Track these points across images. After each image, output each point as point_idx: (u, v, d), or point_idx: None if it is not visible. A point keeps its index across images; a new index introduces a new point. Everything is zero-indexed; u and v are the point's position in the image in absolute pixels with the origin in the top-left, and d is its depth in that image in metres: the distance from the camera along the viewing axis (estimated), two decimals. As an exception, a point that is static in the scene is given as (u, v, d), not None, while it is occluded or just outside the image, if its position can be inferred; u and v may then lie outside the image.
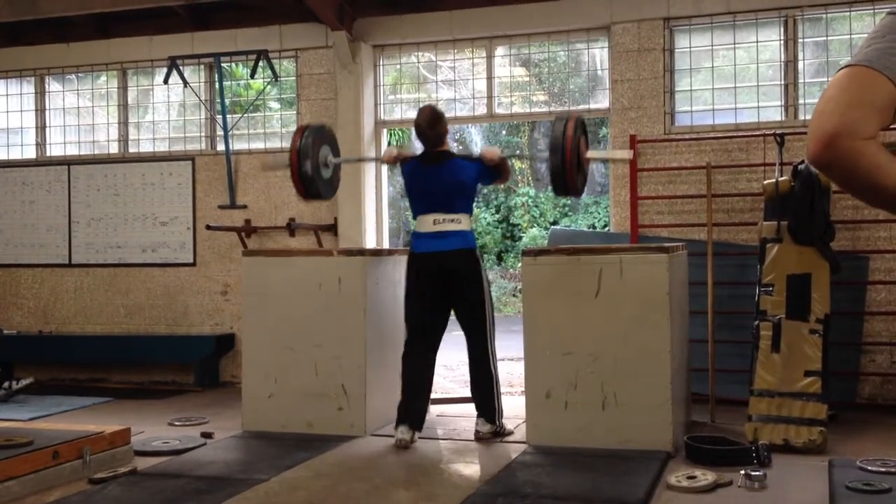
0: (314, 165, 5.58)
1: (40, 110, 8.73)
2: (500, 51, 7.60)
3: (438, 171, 5.48)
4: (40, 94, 8.73)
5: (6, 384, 7.06)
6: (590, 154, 5.36)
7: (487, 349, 5.54)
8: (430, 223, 5.45)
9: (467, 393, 7.41)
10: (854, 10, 6.60)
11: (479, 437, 5.49)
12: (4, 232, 8.70)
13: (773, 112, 6.78)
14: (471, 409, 6.55)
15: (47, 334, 8.42)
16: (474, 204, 5.83)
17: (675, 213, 6.85)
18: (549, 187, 5.45)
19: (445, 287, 5.46)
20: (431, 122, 5.51)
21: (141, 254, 8.29)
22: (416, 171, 5.60)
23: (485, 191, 20.68)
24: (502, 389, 7.44)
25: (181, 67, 7.88)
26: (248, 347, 5.99)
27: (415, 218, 5.61)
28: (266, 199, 7.94)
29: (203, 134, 8.28)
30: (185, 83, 7.95)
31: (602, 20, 7.09)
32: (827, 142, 1.41)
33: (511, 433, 5.55)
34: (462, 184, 5.49)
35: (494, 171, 5.58)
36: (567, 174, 5.08)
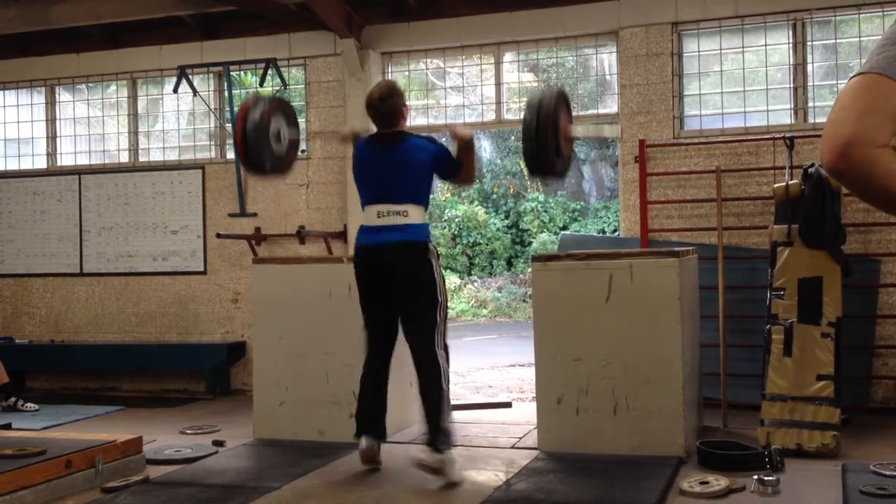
0: (262, 132, 4.81)
1: (51, 120, 8.77)
2: (508, 56, 7.60)
3: (388, 155, 4.77)
4: (51, 104, 8.77)
5: (12, 399, 7.08)
6: (575, 131, 4.88)
7: (436, 362, 4.71)
8: (374, 216, 4.77)
9: (478, 399, 7.43)
10: (863, 13, 6.58)
11: (420, 464, 4.66)
12: (16, 242, 8.73)
13: (782, 115, 6.77)
14: (482, 415, 6.56)
15: (59, 343, 8.45)
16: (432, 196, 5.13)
17: (685, 218, 6.83)
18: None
19: (386, 286, 4.78)
20: (383, 95, 4.81)
21: (152, 262, 8.31)
22: (363, 154, 4.89)
23: (493, 196, 20.69)
24: (509, 397, 7.48)
25: (190, 76, 7.91)
26: (258, 355, 5.99)
27: (362, 209, 4.91)
28: (276, 207, 7.96)
29: (213, 142, 8.31)
30: (195, 92, 7.98)
31: (610, 25, 7.08)
32: (841, 150, 1.41)
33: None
34: (413, 168, 4.76)
35: (457, 162, 4.86)
36: (542, 157, 4.48)
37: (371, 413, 4.96)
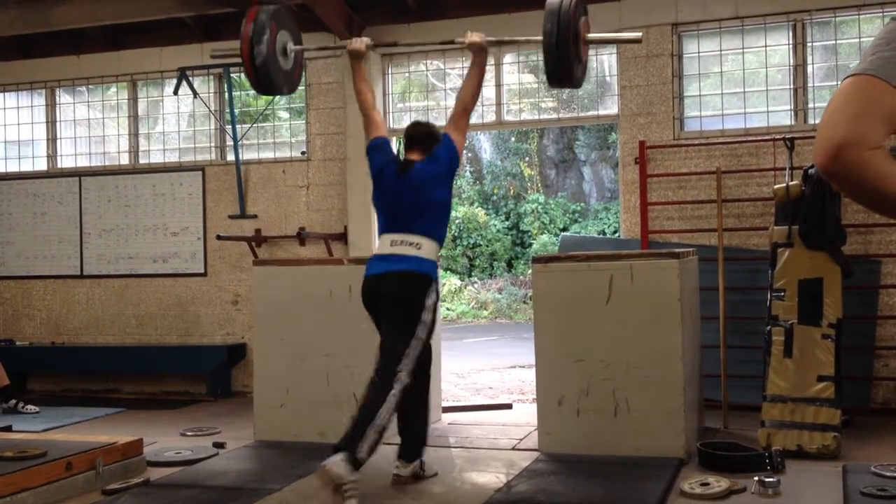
0: (270, 52, 4.73)
1: (51, 122, 8.77)
2: (508, 58, 7.60)
3: (405, 183, 4.60)
4: (51, 106, 8.77)
5: (13, 401, 7.07)
6: (592, 35, 4.61)
7: (389, 387, 4.31)
8: (388, 244, 4.59)
9: (479, 401, 7.43)
10: (863, 14, 6.58)
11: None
12: (16, 244, 8.74)
13: (782, 116, 6.77)
14: (483, 416, 6.56)
15: (60, 345, 8.45)
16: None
17: (686, 219, 6.83)
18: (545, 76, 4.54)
19: (377, 312, 4.60)
20: (418, 122, 4.91)
21: (152, 264, 8.32)
22: (385, 180, 4.69)
23: (493, 197, 20.69)
24: (510, 398, 7.48)
25: (191, 78, 7.91)
26: (259, 357, 5.99)
27: (378, 235, 4.77)
28: (276, 209, 7.96)
29: (213, 144, 8.31)
30: (195, 94, 7.98)
31: (610, 26, 7.07)
32: (834, 152, 1.41)
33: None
34: (430, 189, 4.58)
35: (470, 99, 4.70)
36: (565, 56, 4.33)
37: (417, 435, 4.73)
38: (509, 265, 20.37)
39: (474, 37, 4.73)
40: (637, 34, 4.86)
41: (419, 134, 4.77)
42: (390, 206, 4.63)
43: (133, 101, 8.52)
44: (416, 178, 4.59)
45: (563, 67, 4.36)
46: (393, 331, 4.48)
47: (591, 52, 7.35)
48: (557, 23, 4.27)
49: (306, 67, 7.89)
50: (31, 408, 7.07)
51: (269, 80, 4.80)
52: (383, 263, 4.56)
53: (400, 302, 4.48)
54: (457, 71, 7.91)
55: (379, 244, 4.70)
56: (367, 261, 4.73)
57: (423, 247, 4.53)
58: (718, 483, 4.36)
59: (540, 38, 4.39)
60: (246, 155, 8.07)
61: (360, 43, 4.90)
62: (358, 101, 4.94)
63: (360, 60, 4.92)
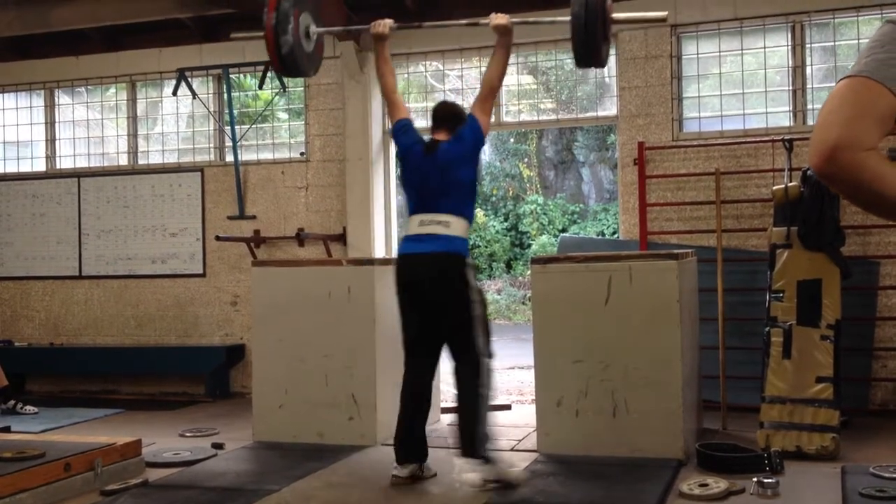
0: (296, 40, 4.73)
1: (50, 123, 8.77)
2: (507, 59, 7.59)
3: (432, 162, 4.68)
4: (50, 106, 8.77)
5: (11, 402, 7.07)
6: (618, 15, 4.64)
7: (476, 366, 4.55)
8: (417, 224, 4.68)
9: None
10: (862, 15, 6.59)
11: (484, 483, 4.45)
12: (15, 245, 8.73)
13: (781, 117, 6.77)
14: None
15: (58, 346, 8.45)
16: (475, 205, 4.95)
17: (684, 220, 6.84)
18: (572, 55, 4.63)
19: (424, 296, 4.66)
20: (444, 102, 5.05)
21: (151, 265, 8.31)
22: (413, 160, 4.77)
23: (492, 198, 20.69)
24: (509, 399, 7.47)
25: (190, 79, 7.91)
26: (258, 358, 5.99)
27: (408, 216, 4.83)
28: (275, 210, 7.96)
29: (212, 145, 8.31)
30: (194, 95, 7.98)
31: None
32: (829, 154, 1.42)
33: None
34: (456, 178, 4.65)
35: (497, 78, 4.78)
36: (593, 36, 4.39)
37: (417, 436, 4.75)
38: (508, 266, 20.36)
39: (500, 18, 4.76)
40: (663, 13, 4.83)
41: (445, 114, 4.83)
42: (418, 186, 4.71)
43: (132, 101, 8.52)
44: (441, 158, 4.66)
45: (592, 48, 4.43)
46: (447, 319, 4.60)
47: (590, 53, 7.37)
48: (586, 3, 4.32)
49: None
50: (29, 409, 7.06)
51: (296, 66, 4.86)
52: (415, 244, 4.65)
53: (442, 287, 4.58)
54: (455, 72, 7.91)
55: (409, 224, 4.75)
56: (400, 242, 4.85)
57: (451, 225, 4.61)
58: (717, 484, 4.36)
59: (566, 18, 4.45)
60: (245, 156, 8.07)
61: (384, 25, 4.90)
62: (381, 84, 5.00)
63: (384, 43, 4.94)
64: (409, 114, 4.98)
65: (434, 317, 4.65)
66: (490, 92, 4.77)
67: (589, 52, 4.47)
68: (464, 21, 5.40)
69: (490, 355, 4.64)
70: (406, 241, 4.74)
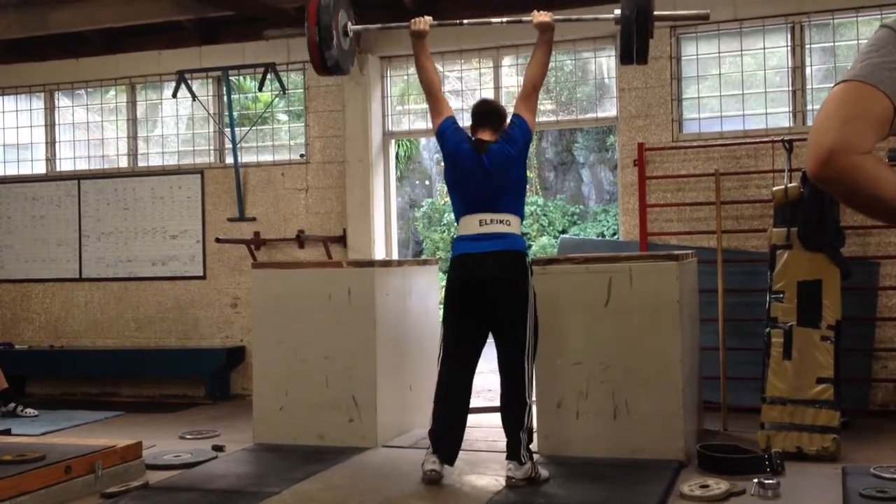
0: (338, 39, 4.79)
1: (50, 125, 8.77)
2: (507, 60, 7.61)
3: (485, 161, 4.67)
4: (49, 109, 8.78)
5: (11, 405, 7.07)
6: (660, 13, 4.73)
7: (523, 373, 4.64)
8: (476, 224, 4.67)
9: (478, 403, 7.41)
10: (861, 16, 6.59)
11: (511, 484, 4.57)
12: (15, 247, 8.73)
13: (781, 118, 6.77)
14: (482, 419, 6.53)
15: (58, 349, 8.45)
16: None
17: (685, 221, 6.83)
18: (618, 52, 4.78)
19: (483, 296, 4.64)
20: (486, 100, 5.09)
21: (151, 267, 8.31)
22: (462, 161, 4.74)
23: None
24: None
25: (189, 81, 7.91)
26: (258, 360, 5.99)
27: (457, 219, 4.82)
28: (275, 212, 7.96)
29: (212, 147, 8.31)
30: (194, 97, 7.98)
31: (608, 29, 7.05)
32: (825, 158, 1.43)
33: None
34: (509, 168, 4.67)
35: (539, 75, 4.82)
36: (643, 33, 4.52)
37: (456, 436, 4.78)
38: (508, 267, 20.32)
39: (543, 16, 4.83)
40: (705, 11, 4.93)
41: (488, 112, 4.85)
42: (471, 187, 4.70)
43: (132, 104, 8.53)
44: (495, 159, 4.67)
45: (641, 46, 4.54)
46: (505, 316, 4.62)
47: (589, 53, 7.38)
48: (636, 9, 4.45)
49: (305, 70, 7.89)
50: (29, 411, 7.06)
51: (339, 69, 4.94)
52: (478, 243, 4.63)
53: (506, 285, 4.59)
54: (455, 74, 7.91)
55: (463, 225, 4.72)
56: (454, 243, 4.81)
57: (511, 223, 4.67)
58: (718, 485, 4.36)
59: (610, 16, 4.62)
60: (245, 158, 8.07)
61: (424, 23, 4.90)
62: (424, 81, 4.94)
63: (424, 40, 4.94)
64: (452, 111, 4.97)
65: (489, 314, 4.66)
66: (533, 89, 4.82)
67: (637, 51, 4.59)
68: (505, 19, 5.40)
69: (530, 367, 4.69)
70: (466, 240, 4.69)
